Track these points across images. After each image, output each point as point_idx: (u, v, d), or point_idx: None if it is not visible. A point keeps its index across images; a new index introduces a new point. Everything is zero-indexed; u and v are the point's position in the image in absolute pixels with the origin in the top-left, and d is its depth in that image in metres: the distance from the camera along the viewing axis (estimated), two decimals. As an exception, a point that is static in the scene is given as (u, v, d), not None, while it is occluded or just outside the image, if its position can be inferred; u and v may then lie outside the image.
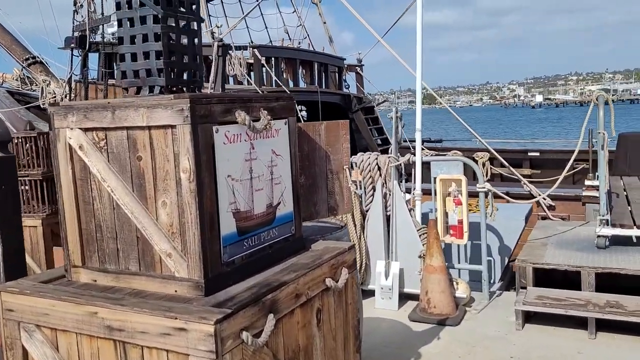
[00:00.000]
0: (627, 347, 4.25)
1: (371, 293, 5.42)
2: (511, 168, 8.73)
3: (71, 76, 16.49)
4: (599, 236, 5.23)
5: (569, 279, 4.93)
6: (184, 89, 2.62)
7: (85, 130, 2.45)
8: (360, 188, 5.55)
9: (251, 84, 13.33)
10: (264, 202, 2.64)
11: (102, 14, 16.01)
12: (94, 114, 2.40)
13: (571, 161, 6.28)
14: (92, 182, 2.48)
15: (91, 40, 15.57)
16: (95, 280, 2.51)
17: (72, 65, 15.90)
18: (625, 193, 6.56)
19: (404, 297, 5.38)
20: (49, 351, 2.35)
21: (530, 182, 8.34)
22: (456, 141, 17.51)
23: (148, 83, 2.49)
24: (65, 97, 16.07)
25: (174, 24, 2.47)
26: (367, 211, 5.47)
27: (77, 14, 16.50)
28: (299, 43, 16.89)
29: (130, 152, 2.37)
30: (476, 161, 9.18)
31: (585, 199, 6.77)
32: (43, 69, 17.41)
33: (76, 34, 16.32)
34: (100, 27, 15.74)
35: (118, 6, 2.48)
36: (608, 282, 4.76)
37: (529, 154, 12.84)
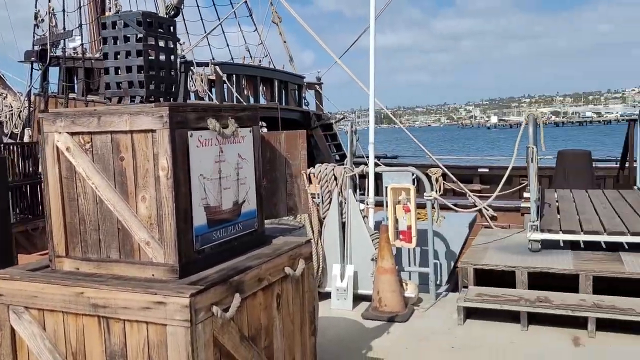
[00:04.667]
0: (555, 337, 4.76)
1: (328, 295, 5.80)
2: (460, 183, 9.32)
3: (30, 89, 16.35)
4: (530, 240, 5.80)
5: (506, 279, 5.44)
6: (161, 99, 2.98)
7: (73, 134, 2.77)
8: (319, 198, 5.95)
9: (212, 100, 13.62)
10: (230, 199, 3.00)
11: (64, 28, 16.01)
12: (81, 120, 2.73)
13: (505, 176, 6.84)
14: (77, 180, 2.79)
15: (52, 54, 15.56)
16: (78, 268, 2.80)
17: (31, 78, 15.80)
18: (557, 204, 7.20)
19: (358, 298, 5.78)
20: (37, 330, 2.63)
21: (480, 196, 8.91)
22: (412, 157, 18.20)
23: (130, 93, 2.84)
24: (24, 110, 15.92)
25: (153, 42, 2.84)
26: (324, 218, 5.87)
27: (38, 27, 16.43)
28: (260, 61, 17.29)
29: (113, 153, 2.70)
30: (429, 177, 9.73)
31: (523, 210, 7.35)
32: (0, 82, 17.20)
33: (37, 47, 16.25)
34: (62, 41, 15.75)
35: (104, 26, 2.82)
36: (540, 280, 5.29)
37: (479, 170, 13.63)
